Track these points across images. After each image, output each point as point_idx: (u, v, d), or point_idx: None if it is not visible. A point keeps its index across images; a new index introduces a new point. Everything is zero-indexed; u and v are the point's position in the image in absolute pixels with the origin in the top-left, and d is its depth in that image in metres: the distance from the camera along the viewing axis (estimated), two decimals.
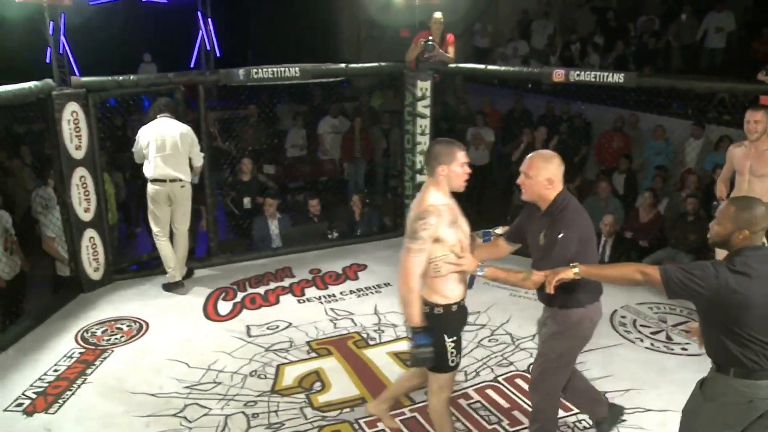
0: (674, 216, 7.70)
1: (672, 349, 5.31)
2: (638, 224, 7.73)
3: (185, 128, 6.37)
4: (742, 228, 2.95)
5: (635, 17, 12.78)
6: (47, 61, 6.35)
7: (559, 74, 6.76)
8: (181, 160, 6.32)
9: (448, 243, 3.51)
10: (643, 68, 10.38)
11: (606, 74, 6.58)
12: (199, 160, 6.50)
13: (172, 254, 6.44)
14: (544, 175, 3.57)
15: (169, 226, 6.45)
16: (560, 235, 3.49)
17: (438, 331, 3.58)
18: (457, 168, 3.53)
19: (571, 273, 3.33)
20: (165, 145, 6.21)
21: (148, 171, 6.27)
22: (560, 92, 10.76)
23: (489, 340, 5.46)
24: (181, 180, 6.31)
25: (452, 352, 3.62)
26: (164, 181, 6.25)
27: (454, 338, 3.63)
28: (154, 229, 6.41)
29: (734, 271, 2.89)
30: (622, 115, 9.63)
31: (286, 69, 6.89)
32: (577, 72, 6.71)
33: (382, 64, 7.80)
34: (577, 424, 4.38)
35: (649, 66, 10.85)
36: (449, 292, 3.59)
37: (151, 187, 6.31)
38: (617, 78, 6.49)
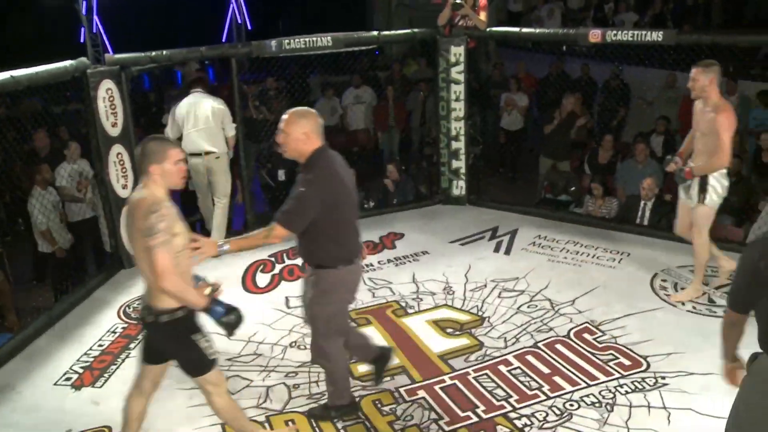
0: None
1: (714, 312, 5.21)
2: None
3: (217, 101, 6.62)
4: None
5: None
6: (81, 40, 6.41)
7: (595, 35, 6.61)
8: (215, 133, 6.59)
9: (185, 234, 3.42)
10: (682, 26, 10.09)
11: (644, 33, 6.41)
12: (231, 130, 6.70)
13: (211, 215, 6.87)
14: (300, 129, 3.71)
15: (209, 194, 6.79)
16: (300, 190, 3.66)
17: (179, 335, 3.45)
18: (170, 166, 3.37)
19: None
20: (198, 120, 6.50)
21: (184, 145, 6.47)
22: (596, 54, 10.53)
23: (528, 306, 5.42)
24: (215, 152, 6.58)
25: (206, 347, 3.51)
26: (200, 154, 6.54)
27: (198, 333, 3.50)
28: (197, 192, 6.88)
29: None
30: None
31: (318, 38, 6.84)
32: (614, 32, 6.57)
33: (415, 30, 7.69)
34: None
35: (688, 23, 10.54)
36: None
37: (189, 159, 6.44)
38: (656, 36, 6.32)
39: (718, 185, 5.07)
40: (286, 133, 3.74)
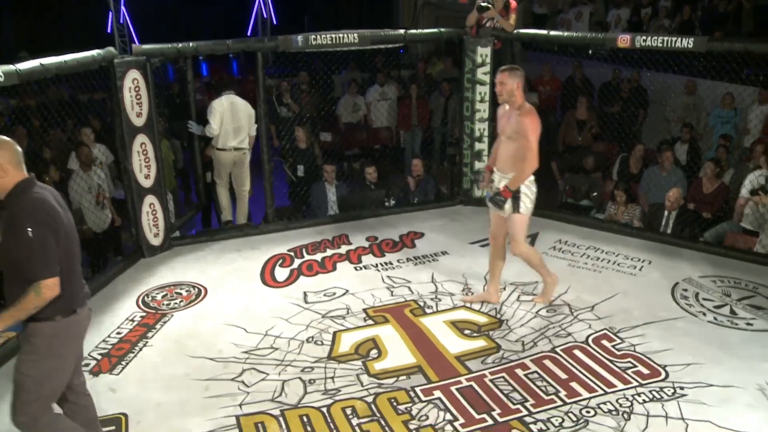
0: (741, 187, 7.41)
1: (736, 324, 5.15)
2: (701, 195, 7.49)
3: (246, 104, 7.28)
4: None
5: None
6: (108, 30, 6.44)
7: (624, 39, 6.53)
8: (245, 132, 7.29)
9: None
10: (712, 33, 9.97)
11: (674, 39, 6.32)
12: (254, 131, 7.34)
13: (227, 200, 7.59)
14: None
15: (229, 180, 7.48)
16: (29, 233, 3.15)
17: None
18: None
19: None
20: (233, 119, 7.16)
21: (218, 140, 7.20)
22: (622, 59, 10.43)
23: (547, 311, 5.39)
24: (244, 148, 7.30)
25: None
26: (229, 150, 7.24)
27: None
28: (217, 180, 7.50)
29: None
30: None
31: (345, 35, 6.84)
32: (644, 37, 6.48)
33: (442, 30, 7.65)
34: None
35: (718, 30, 10.41)
36: None
37: (219, 153, 7.30)
38: (686, 43, 6.23)
39: (529, 192, 5.20)
40: None
